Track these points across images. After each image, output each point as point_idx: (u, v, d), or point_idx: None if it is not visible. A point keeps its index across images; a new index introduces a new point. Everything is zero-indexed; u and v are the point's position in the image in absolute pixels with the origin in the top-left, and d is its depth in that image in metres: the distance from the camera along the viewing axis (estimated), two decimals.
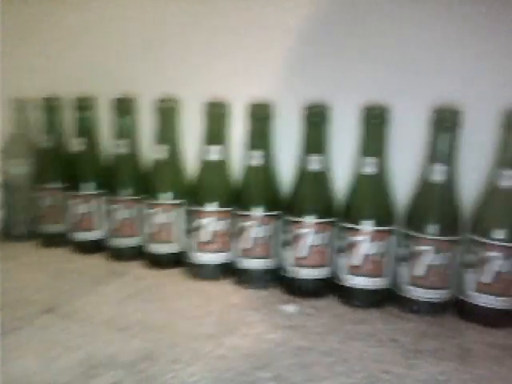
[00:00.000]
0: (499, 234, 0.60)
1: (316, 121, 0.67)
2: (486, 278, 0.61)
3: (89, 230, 0.83)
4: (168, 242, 0.77)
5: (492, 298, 0.61)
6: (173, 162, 0.78)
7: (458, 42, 0.66)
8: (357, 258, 0.65)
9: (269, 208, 0.70)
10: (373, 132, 0.65)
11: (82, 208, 0.82)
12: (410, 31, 0.68)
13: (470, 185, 0.64)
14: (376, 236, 0.64)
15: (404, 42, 0.68)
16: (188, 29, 0.80)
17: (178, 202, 0.76)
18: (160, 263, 0.78)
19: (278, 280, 0.71)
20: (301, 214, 0.67)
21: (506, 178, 0.60)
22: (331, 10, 0.71)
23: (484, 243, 0.61)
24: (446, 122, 0.62)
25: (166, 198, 0.76)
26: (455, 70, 0.67)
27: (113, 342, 0.55)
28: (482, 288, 0.61)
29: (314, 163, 0.67)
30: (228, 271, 0.73)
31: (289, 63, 0.74)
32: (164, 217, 0.76)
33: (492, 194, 0.62)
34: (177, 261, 0.77)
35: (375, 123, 0.65)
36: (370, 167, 0.65)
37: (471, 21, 0.65)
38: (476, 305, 0.62)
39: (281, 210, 0.70)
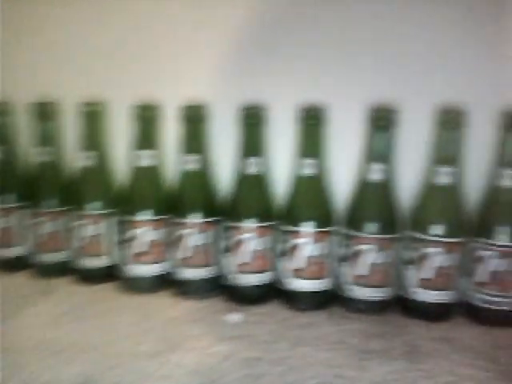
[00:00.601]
0: (437, 229, 0.61)
1: (252, 122, 0.65)
2: (427, 273, 0.61)
3: (10, 245, 0.76)
4: (99, 255, 0.72)
5: (433, 293, 0.62)
6: (101, 170, 0.73)
7: (393, 40, 0.67)
8: (299, 260, 0.64)
9: (207, 214, 0.67)
10: (310, 133, 0.64)
11: (0, 222, 0.75)
12: (346, 29, 0.68)
13: (408, 183, 0.65)
14: (317, 237, 0.63)
15: (341, 40, 0.68)
16: (116, 27, 0.75)
17: (108, 212, 0.71)
18: (91, 278, 0.73)
19: (219, 289, 0.68)
20: (241, 218, 0.65)
21: (442, 175, 0.61)
22: (267, 9, 0.69)
23: (423, 239, 0.61)
24: (381, 121, 0.62)
25: (95, 208, 0.71)
26: (391, 69, 0.67)
27: (47, 369, 0.50)
28: (424, 284, 0.62)
29: (252, 166, 0.65)
30: (166, 283, 0.70)
31: (224, 63, 0.72)
32: (93, 228, 0.71)
33: (429, 191, 0.62)
34: (109, 275, 0.72)
35: (312, 124, 0.64)
36: (308, 168, 0.64)
37: (407, 17, 0.66)
38: (418, 301, 0.63)
39: (220, 215, 0.67)
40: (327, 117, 0.64)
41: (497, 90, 0.65)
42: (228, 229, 0.66)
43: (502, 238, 0.59)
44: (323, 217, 0.64)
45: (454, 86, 0.65)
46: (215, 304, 0.66)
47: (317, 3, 0.68)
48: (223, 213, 0.67)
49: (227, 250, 0.66)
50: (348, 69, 0.68)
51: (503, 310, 0.61)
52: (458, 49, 0.65)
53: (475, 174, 0.63)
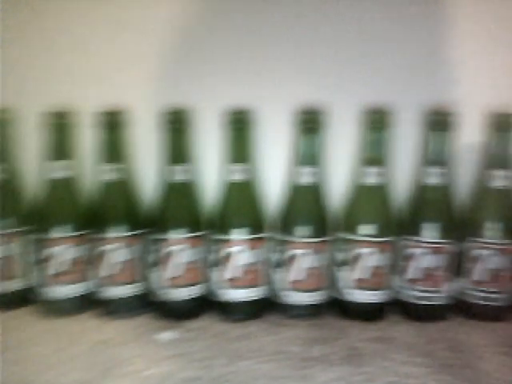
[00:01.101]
0: (368, 229, 0.61)
1: (177, 127, 0.62)
2: (361, 274, 0.61)
3: None
4: (11, 277, 0.65)
5: (368, 292, 0.62)
6: (9, 184, 0.66)
7: (319, 42, 0.66)
8: (233, 269, 0.61)
9: (131, 227, 0.63)
10: (238, 137, 0.62)
11: None
12: (271, 31, 0.66)
13: (339, 184, 0.65)
14: (250, 245, 0.61)
15: (267, 42, 0.67)
16: (27, 27, 0.69)
17: (20, 229, 0.65)
18: (4, 304, 0.65)
19: (150, 306, 0.64)
20: (168, 230, 0.61)
21: (370, 175, 0.61)
22: (191, 11, 0.66)
23: (355, 240, 0.61)
24: (309, 124, 0.61)
25: (4, 226, 0.64)
26: (318, 72, 0.67)
27: None
28: (358, 284, 0.62)
29: (179, 174, 0.62)
30: (90, 303, 0.64)
31: (148, 66, 0.68)
32: (5, 249, 0.64)
33: (358, 192, 0.62)
34: (24, 299, 0.66)
35: (239, 128, 0.62)
36: (238, 174, 0.62)
37: (332, 19, 0.66)
38: (354, 302, 0.62)
39: (146, 227, 0.63)
40: (255, 120, 0.62)
41: (422, 90, 0.66)
42: (156, 241, 0.62)
43: (430, 235, 0.61)
44: (255, 223, 0.62)
45: (379, 87, 0.66)
46: (146, 323, 0.62)
47: (238, 6, 0.66)
48: (150, 225, 0.63)
49: (156, 263, 0.62)
50: (276, 71, 0.67)
51: (435, 305, 0.62)
52: (384, 51, 0.66)
53: (404, 173, 0.64)
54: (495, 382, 0.51)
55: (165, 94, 0.67)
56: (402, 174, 0.64)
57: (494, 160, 0.62)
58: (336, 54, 0.67)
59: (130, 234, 0.62)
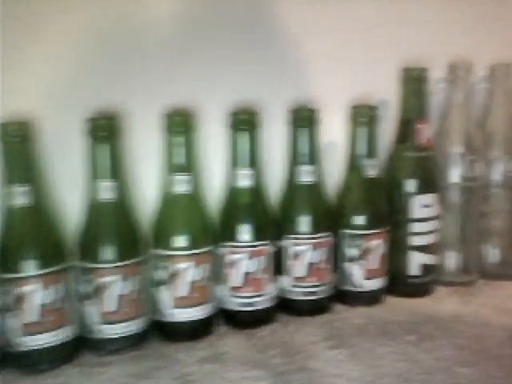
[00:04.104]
0: (182, 242, 0.56)
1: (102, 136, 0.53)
2: (181, 291, 0.56)
3: None
4: None
5: (191, 310, 0.57)
6: None
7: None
8: (28, 312, 0.51)
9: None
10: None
11: None
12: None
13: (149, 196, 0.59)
14: (47, 281, 0.51)
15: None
16: None
17: None
18: None
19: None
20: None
21: (178, 183, 0.56)
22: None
23: (172, 256, 0.55)
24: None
25: None
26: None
27: None
28: (179, 302, 0.56)
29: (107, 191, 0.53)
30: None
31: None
32: None
33: (168, 203, 0.57)
34: None
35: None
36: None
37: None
38: (177, 322, 0.57)
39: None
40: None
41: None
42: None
43: (246, 238, 0.58)
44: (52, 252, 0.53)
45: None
46: None
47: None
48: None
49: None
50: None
51: (260, 310, 0.60)
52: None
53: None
54: (327, 379, 0.50)
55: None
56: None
57: (298, 156, 0.61)
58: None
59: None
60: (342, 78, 0.67)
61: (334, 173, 0.65)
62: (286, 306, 0.63)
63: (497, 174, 0.70)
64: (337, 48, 0.67)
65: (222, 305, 0.60)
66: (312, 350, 0.55)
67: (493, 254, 0.73)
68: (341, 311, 0.64)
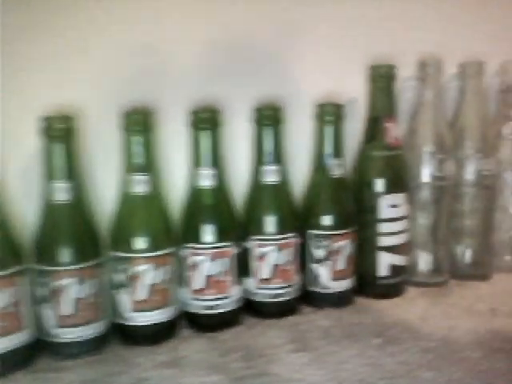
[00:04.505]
0: (142, 244, 0.54)
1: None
2: (140, 294, 0.55)
3: None
4: None
5: (151, 313, 0.55)
6: None
7: None
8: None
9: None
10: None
11: None
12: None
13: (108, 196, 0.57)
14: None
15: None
16: None
17: None
18: None
19: None
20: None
21: (137, 184, 0.55)
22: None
23: (131, 258, 0.54)
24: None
25: None
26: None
27: None
28: (140, 306, 0.55)
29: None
30: None
31: None
32: None
33: (127, 203, 0.55)
34: None
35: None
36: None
37: None
38: (137, 326, 0.56)
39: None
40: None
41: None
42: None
43: (209, 240, 0.57)
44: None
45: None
46: None
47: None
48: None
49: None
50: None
51: (224, 313, 0.58)
52: None
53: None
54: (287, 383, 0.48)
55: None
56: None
57: (263, 155, 0.60)
58: None
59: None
60: (309, 76, 0.65)
61: (301, 172, 0.64)
62: (251, 309, 0.62)
63: (469, 173, 0.69)
64: (303, 46, 0.65)
65: (185, 308, 0.59)
66: (275, 353, 0.54)
67: (465, 254, 0.72)
68: (308, 313, 0.63)
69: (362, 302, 0.66)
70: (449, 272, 0.71)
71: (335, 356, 0.53)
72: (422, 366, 0.51)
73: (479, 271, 0.72)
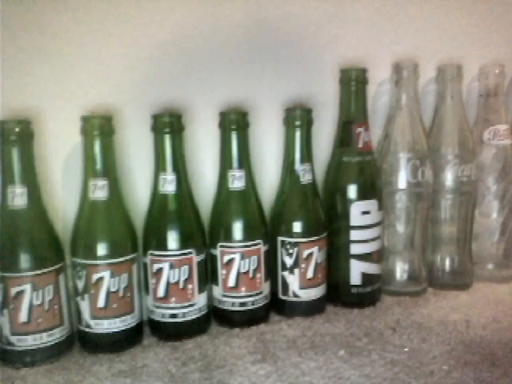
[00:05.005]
0: (103, 250, 0.53)
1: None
2: (100, 301, 0.54)
3: None
4: None
5: (109, 321, 0.54)
6: None
7: None
8: None
9: None
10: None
11: None
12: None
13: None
14: None
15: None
16: None
17: None
18: None
19: None
20: None
21: (97, 189, 0.53)
22: None
23: (90, 265, 0.53)
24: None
25: None
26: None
27: None
28: (98, 313, 0.54)
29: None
30: None
31: None
32: None
33: (88, 209, 0.54)
34: None
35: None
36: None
37: None
38: (98, 333, 0.54)
39: None
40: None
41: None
42: None
43: (172, 247, 0.55)
44: None
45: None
46: None
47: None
48: None
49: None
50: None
51: (188, 321, 0.57)
52: None
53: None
54: None
55: None
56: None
57: (229, 160, 0.58)
58: None
59: None
60: (278, 79, 0.64)
61: (270, 178, 0.63)
62: (218, 317, 0.60)
63: (447, 179, 0.67)
64: (272, 48, 0.64)
65: (149, 315, 0.58)
66: (235, 364, 0.53)
67: (445, 262, 0.70)
68: (276, 322, 0.61)
69: (334, 310, 0.64)
70: (427, 281, 0.69)
71: (297, 368, 0.52)
72: (387, 379, 0.50)
73: (459, 280, 0.69)
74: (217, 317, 0.61)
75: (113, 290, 0.54)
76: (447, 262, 0.69)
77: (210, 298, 0.60)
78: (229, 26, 0.61)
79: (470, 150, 0.67)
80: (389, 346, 0.55)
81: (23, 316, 0.52)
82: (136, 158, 0.59)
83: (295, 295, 0.61)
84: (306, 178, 0.60)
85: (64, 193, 0.58)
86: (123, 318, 0.55)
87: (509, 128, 0.69)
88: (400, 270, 0.68)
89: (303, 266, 0.60)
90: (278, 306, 0.62)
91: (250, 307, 0.59)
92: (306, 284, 0.61)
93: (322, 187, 0.64)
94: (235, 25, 0.61)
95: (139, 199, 0.59)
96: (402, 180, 0.65)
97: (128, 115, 0.58)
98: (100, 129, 0.53)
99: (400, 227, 0.66)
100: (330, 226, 0.62)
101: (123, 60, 0.58)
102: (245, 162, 0.58)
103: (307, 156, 0.60)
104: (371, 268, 0.64)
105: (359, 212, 0.61)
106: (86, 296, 0.54)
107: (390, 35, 0.66)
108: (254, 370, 0.52)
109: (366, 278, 0.63)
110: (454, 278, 0.69)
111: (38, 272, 0.51)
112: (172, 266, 0.55)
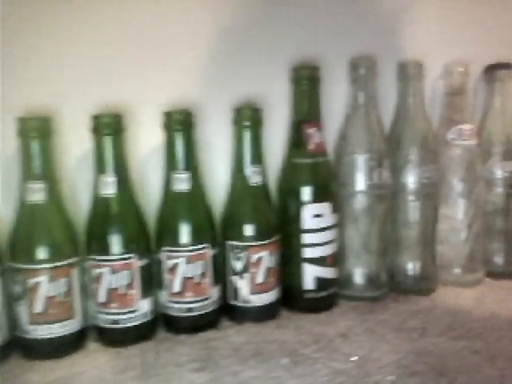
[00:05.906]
0: (42, 255, 0.52)
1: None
2: (38, 306, 0.52)
3: None
4: None
5: (47, 326, 0.53)
6: None
7: None
8: None
9: None
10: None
11: None
12: None
13: None
14: None
15: None
16: None
17: None
18: None
19: None
20: None
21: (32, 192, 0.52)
22: None
23: (27, 269, 0.52)
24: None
25: None
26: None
27: None
28: (36, 319, 0.53)
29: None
30: None
31: None
32: None
33: (23, 213, 0.53)
34: None
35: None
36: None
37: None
38: (34, 339, 0.53)
39: None
40: None
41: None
42: None
43: (113, 251, 0.54)
44: None
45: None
46: None
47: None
48: None
49: None
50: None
51: (130, 327, 0.56)
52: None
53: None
54: None
55: None
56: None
57: (173, 162, 0.57)
58: None
59: None
60: (228, 78, 0.62)
61: (222, 180, 0.61)
62: (165, 323, 0.59)
63: (408, 180, 0.65)
64: (223, 47, 0.62)
65: (92, 321, 0.57)
66: (173, 372, 0.51)
67: (407, 267, 0.67)
68: (224, 328, 0.60)
69: (286, 316, 0.62)
70: (388, 286, 0.67)
71: (237, 376, 0.50)
72: None
73: (422, 285, 0.67)
74: (164, 323, 0.59)
75: (52, 294, 0.53)
76: (410, 266, 0.67)
77: (157, 303, 0.59)
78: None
79: (432, 151, 0.65)
80: (336, 355, 0.54)
81: None
82: (79, 159, 0.58)
83: (245, 300, 0.60)
84: (255, 180, 0.58)
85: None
86: (63, 323, 0.54)
87: (473, 128, 0.66)
88: (358, 274, 0.66)
89: (253, 270, 0.59)
90: (228, 311, 0.61)
91: (197, 313, 0.58)
92: (256, 289, 0.59)
93: (275, 189, 0.62)
94: None
95: (83, 202, 0.58)
96: (359, 182, 0.63)
97: (68, 116, 0.57)
98: (38, 130, 0.52)
99: (357, 230, 0.64)
100: (283, 229, 0.61)
101: None
102: (191, 164, 0.57)
103: (257, 157, 0.58)
104: (325, 272, 0.62)
105: (311, 215, 0.60)
106: (23, 301, 0.53)
107: (347, 32, 0.64)
108: (191, 378, 0.50)
109: (320, 282, 0.62)
110: (417, 283, 0.67)
111: None
112: (113, 271, 0.54)
